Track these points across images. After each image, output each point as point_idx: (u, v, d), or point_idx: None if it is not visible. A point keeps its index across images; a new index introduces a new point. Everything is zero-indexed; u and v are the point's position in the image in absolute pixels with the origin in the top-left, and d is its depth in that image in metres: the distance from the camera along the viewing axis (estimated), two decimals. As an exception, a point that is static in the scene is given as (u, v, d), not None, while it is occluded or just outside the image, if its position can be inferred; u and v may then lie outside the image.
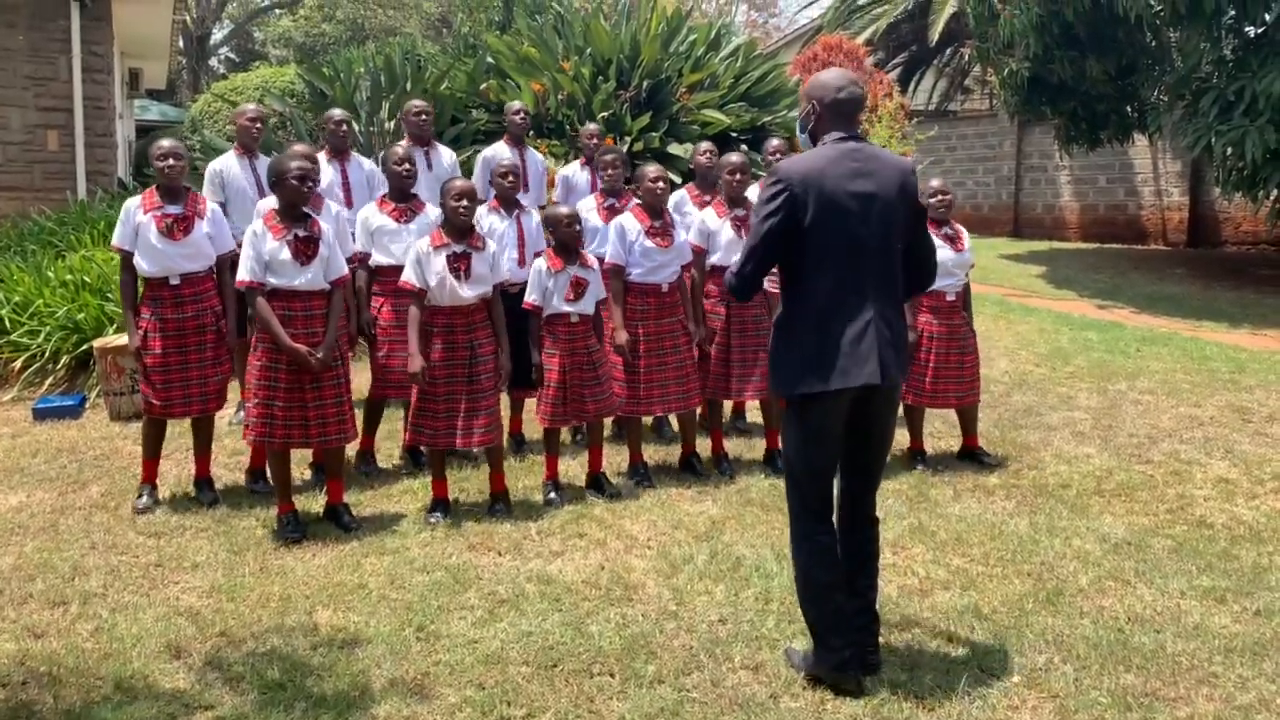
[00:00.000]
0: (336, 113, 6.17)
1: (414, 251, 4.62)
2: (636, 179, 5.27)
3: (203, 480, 4.96)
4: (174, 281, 4.71)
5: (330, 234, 4.56)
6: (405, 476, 5.29)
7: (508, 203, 5.59)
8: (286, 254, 4.37)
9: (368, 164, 6.29)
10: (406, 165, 5.19)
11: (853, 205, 3.11)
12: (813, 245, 3.14)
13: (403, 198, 5.28)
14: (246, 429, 4.52)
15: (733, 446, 5.77)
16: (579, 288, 4.86)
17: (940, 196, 5.37)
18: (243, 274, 4.40)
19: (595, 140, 6.58)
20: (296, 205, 4.44)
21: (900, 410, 4.89)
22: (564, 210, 4.92)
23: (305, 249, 4.40)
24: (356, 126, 9.29)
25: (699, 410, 5.55)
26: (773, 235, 3.16)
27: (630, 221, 5.15)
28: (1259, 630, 3.66)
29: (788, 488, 3.36)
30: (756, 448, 5.77)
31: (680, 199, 6.02)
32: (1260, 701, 3.20)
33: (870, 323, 3.15)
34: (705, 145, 6.03)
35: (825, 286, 3.16)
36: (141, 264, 4.72)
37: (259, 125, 5.95)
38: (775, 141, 6.04)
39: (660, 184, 5.13)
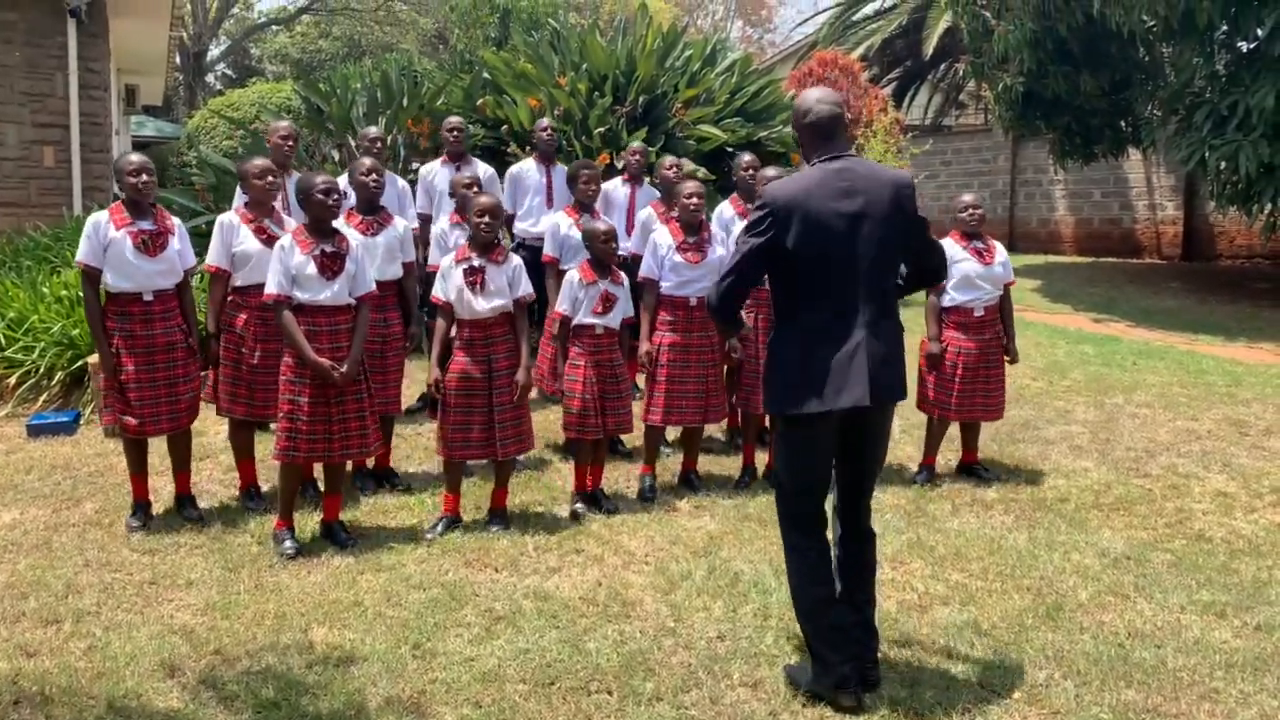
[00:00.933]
0: (372, 131, 6.36)
1: (442, 265, 4.72)
2: (674, 195, 5.31)
3: (184, 497, 4.92)
4: (147, 298, 4.67)
5: (359, 250, 4.58)
6: (400, 492, 5.26)
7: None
8: (312, 269, 4.39)
9: (401, 182, 6.40)
10: (374, 177, 5.19)
11: (839, 225, 3.12)
12: (800, 267, 3.16)
13: (370, 210, 5.26)
14: (275, 448, 4.47)
15: (731, 462, 5.75)
16: (608, 302, 4.91)
17: (971, 210, 5.42)
18: (270, 287, 4.40)
19: (637, 158, 6.74)
20: (325, 220, 4.46)
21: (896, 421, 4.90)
22: (602, 226, 4.96)
23: (331, 264, 4.42)
24: (352, 141, 9.29)
25: (725, 423, 5.56)
26: (753, 255, 3.19)
27: (663, 236, 5.20)
28: (1260, 645, 3.65)
29: (778, 503, 3.36)
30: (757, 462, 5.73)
31: (649, 217, 6.09)
32: (1262, 716, 3.18)
33: (860, 343, 3.15)
34: (670, 159, 6.19)
35: (814, 307, 3.17)
36: (113, 281, 4.63)
37: (291, 142, 5.97)
38: (747, 157, 6.02)
39: (695, 200, 5.14)
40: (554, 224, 5.99)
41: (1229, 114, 10.23)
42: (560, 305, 4.98)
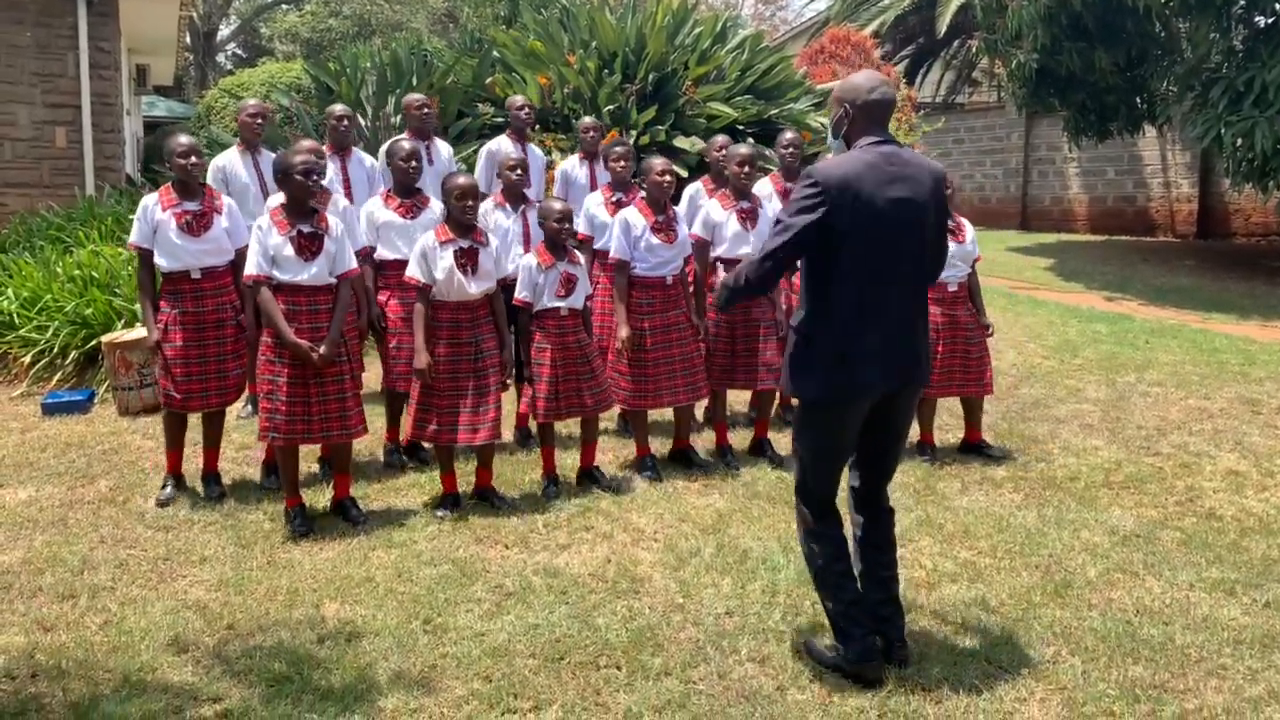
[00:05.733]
0: (338, 108, 6.18)
1: (419, 247, 4.62)
2: (643, 171, 5.23)
3: (210, 475, 4.97)
4: (195, 276, 4.75)
5: (339, 229, 4.57)
6: (411, 470, 5.29)
7: (515, 198, 5.59)
8: (290, 250, 4.38)
9: (369, 160, 6.27)
10: (413, 162, 5.18)
11: (889, 211, 3.11)
12: (846, 250, 3.12)
13: (408, 193, 5.28)
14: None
15: (736, 439, 5.76)
16: (569, 284, 4.86)
17: (945, 189, 5.35)
18: (249, 268, 4.42)
19: (592, 134, 6.46)
20: (303, 200, 4.45)
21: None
22: (557, 206, 4.89)
23: (309, 244, 4.42)
24: (363, 121, 9.29)
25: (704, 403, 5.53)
26: (803, 236, 3.11)
27: (635, 216, 5.13)
28: (1268, 622, 3.65)
29: (798, 483, 3.36)
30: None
31: (696, 192, 6.00)
32: (1269, 693, 3.19)
33: (899, 326, 3.18)
34: (721, 139, 5.97)
35: (856, 291, 3.14)
36: (161, 261, 4.76)
37: (260, 120, 5.95)
38: (790, 135, 5.94)
39: (667, 178, 5.10)
40: (585, 204, 5.93)
41: (1245, 90, 10.12)
42: (520, 292, 4.87)
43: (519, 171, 5.47)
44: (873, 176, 3.10)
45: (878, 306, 3.16)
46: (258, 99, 6.36)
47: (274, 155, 5.32)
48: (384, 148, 6.04)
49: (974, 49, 19.57)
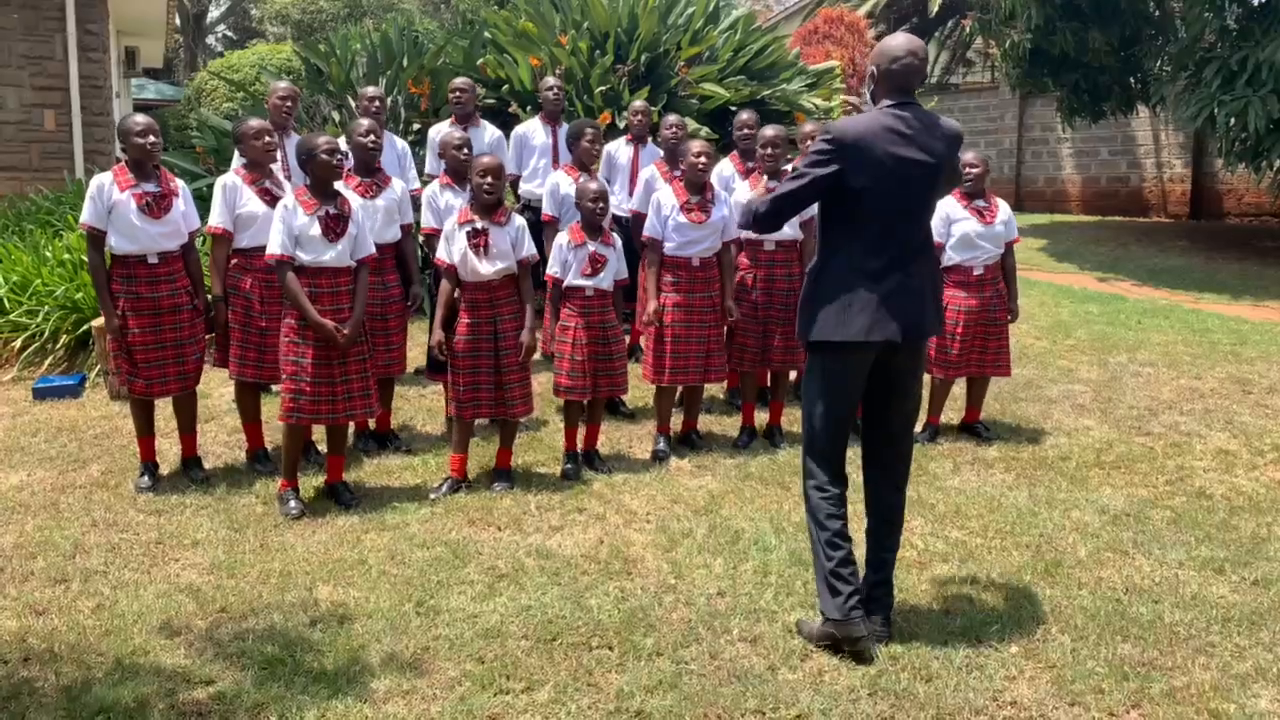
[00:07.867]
0: (370, 90, 6.25)
1: (445, 227, 4.73)
2: (680, 154, 5.27)
3: (191, 459, 4.96)
4: (151, 260, 4.67)
5: (360, 212, 4.57)
6: (402, 454, 5.28)
7: (458, 177, 5.49)
8: (316, 230, 4.38)
9: (400, 143, 6.30)
10: (371, 139, 5.15)
11: (899, 170, 3.21)
12: (857, 204, 3.23)
13: (368, 172, 5.23)
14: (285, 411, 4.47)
15: (730, 421, 5.77)
16: (596, 264, 4.89)
17: (969, 169, 5.33)
18: (273, 248, 4.38)
19: (640, 118, 6.65)
20: (328, 182, 4.45)
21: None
22: (592, 186, 4.93)
23: (335, 226, 4.42)
24: (352, 102, 9.23)
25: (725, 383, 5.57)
26: (813, 186, 3.27)
27: (667, 196, 5.17)
28: (1256, 600, 3.67)
29: (805, 440, 3.40)
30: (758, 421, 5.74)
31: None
32: (1257, 670, 3.21)
33: (902, 281, 3.26)
34: (673, 119, 6.09)
35: (863, 243, 3.26)
36: (117, 243, 4.64)
37: (290, 103, 5.92)
38: (744, 116, 5.95)
39: (703, 159, 5.11)
40: (554, 184, 5.97)
41: (1239, 69, 10.10)
42: (550, 268, 4.99)
43: (465, 152, 5.38)
44: (887, 136, 3.20)
45: (884, 258, 3.24)
46: (287, 82, 6.25)
47: (297, 138, 5.28)
48: (348, 128, 6.03)
49: (968, 29, 19.48)
